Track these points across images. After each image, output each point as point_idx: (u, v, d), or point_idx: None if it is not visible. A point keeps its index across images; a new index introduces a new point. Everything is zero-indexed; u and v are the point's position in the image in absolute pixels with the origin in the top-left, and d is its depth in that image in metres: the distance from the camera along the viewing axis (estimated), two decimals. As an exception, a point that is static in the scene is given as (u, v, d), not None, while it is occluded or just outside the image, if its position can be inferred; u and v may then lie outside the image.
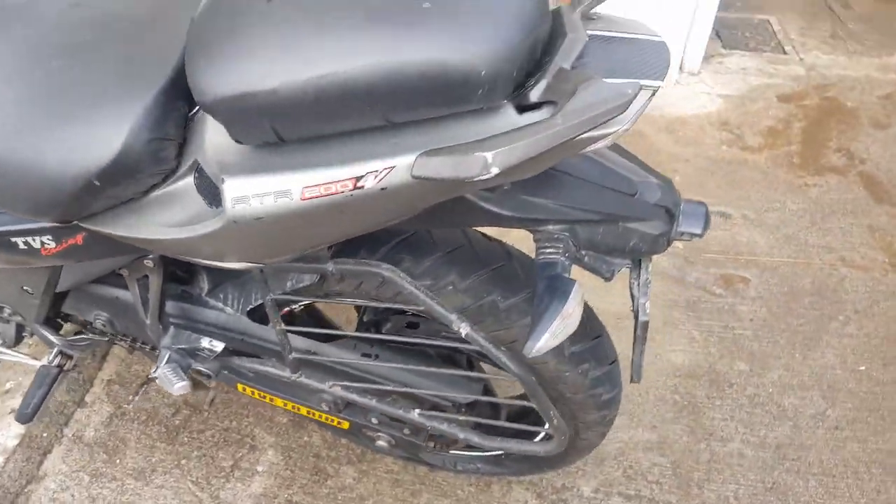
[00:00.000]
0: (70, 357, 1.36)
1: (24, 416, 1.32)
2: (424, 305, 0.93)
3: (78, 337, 1.28)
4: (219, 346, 1.12)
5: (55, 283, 1.07)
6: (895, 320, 1.84)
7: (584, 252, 0.88)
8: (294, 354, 1.09)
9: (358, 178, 0.68)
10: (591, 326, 1.10)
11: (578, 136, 0.63)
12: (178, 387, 1.08)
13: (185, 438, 1.59)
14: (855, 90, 2.73)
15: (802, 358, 1.76)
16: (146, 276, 1.04)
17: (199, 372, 1.14)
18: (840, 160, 2.39)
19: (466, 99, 0.67)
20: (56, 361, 1.35)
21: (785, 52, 2.96)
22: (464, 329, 0.94)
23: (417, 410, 1.17)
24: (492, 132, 0.67)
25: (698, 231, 0.87)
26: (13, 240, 0.92)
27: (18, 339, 1.36)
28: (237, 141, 0.71)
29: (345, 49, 0.64)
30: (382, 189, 0.69)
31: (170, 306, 1.12)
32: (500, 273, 0.99)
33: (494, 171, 0.62)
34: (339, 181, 0.69)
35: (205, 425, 1.61)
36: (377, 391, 1.18)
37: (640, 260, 0.92)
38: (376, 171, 0.68)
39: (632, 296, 0.95)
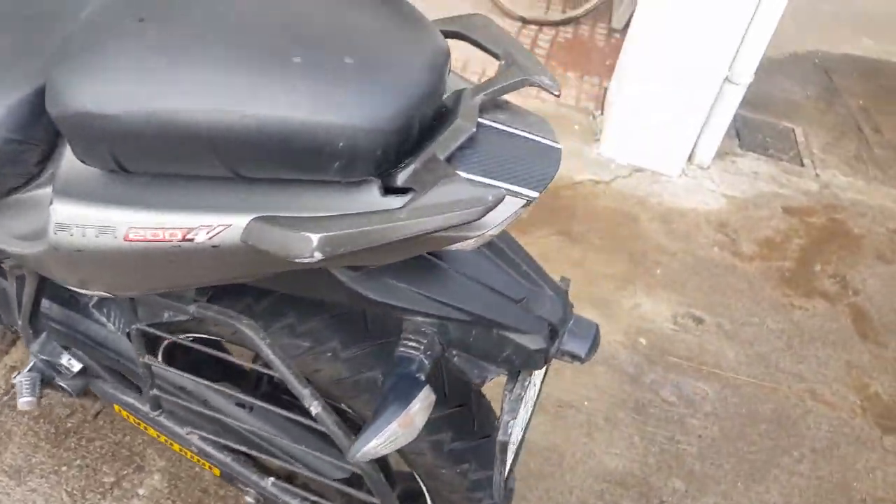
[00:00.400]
0: None
1: None
2: (278, 371, 0.87)
3: None
4: (77, 365, 1.06)
5: None
6: (852, 469, 1.74)
7: (454, 351, 0.83)
8: (154, 391, 1.04)
9: (189, 230, 0.64)
10: (482, 422, 1.02)
11: (424, 234, 0.59)
12: (23, 401, 1.03)
13: (73, 444, 1.52)
14: (866, 217, 2.66)
15: (745, 489, 1.66)
16: (24, 275, 1.00)
17: (62, 388, 1.09)
18: (833, 286, 2.31)
19: (322, 168, 0.63)
20: None
21: (802, 165, 2.92)
22: (314, 408, 0.88)
23: (271, 479, 1.10)
24: (348, 209, 0.63)
25: (581, 353, 0.82)
26: None
27: None
28: (81, 160, 0.68)
29: (192, 88, 0.61)
30: (214, 247, 0.64)
31: (53, 309, 1.08)
32: (388, 348, 0.94)
33: (318, 255, 0.57)
34: (167, 229, 0.65)
35: (96, 434, 1.55)
36: (235, 448, 1.11)
37: (518, 371, 0.86)
38: (210, 226, 0.64)
39: (501, 408, 0.88)
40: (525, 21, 3.44)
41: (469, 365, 0.84)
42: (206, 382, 1.01)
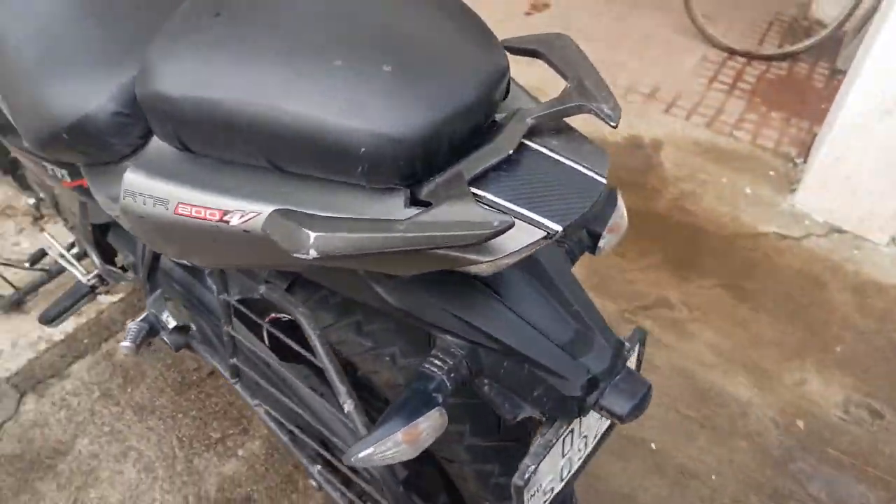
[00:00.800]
0: (105, 283, 1.49)
1: (46, 318, 1.47)
2: (321, 362, 0.88)
3: (113, 269, 1.40)
4: (172, 322, 1.14)
5: (86, 214, 1.19)
6: None
7: (486, 380, 0.80)
8: (233, 360, 1.09)
9: (226, 213, 0.69)
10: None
11: (423, 249, 0.59)
12: (123, 345, 1.13)
13: (192, 395, 1.66)
14: None
15: None
16: None
17: (164, 342, 1.18)
18: None
19: (346, 171, 0.66)
20: (92, 282, 1.50)
21: None
22: (347, 405, 0.88)
23: (318, 467, 1.10)
24: (370, 214, 0.66)
25: (620, 412, 0.76)
26: (45, 164, 1.03)
27: (81, 255, 1.54)
28: (157, 136, 0.75)
29: (239, 81, 0.66)
30: (245, 231, 0.69)
31: (175, 271, 1.18)
32: None
33: (313, 253, 0.59)
34: (208, 209, 0.70)
35: (214, 391, 1.67)
36: (293, 430, 1.13)
37: (554, 417, 0.81)
38: (244, 211, 0.68)
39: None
40: (732, 52, 3.20)
41: (501, 398, 0.81)
42: (274, 360, 1.05)
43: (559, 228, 0.64)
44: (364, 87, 0.64)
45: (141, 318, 1.15)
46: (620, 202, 0.96)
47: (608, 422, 0.92)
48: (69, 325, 1.72)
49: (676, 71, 3.11)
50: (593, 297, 1.87)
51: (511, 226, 0.58)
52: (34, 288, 1.76)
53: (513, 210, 0.64)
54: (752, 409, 1.79)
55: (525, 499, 0.81)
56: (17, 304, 1.75)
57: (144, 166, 0.76)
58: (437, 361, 0.77)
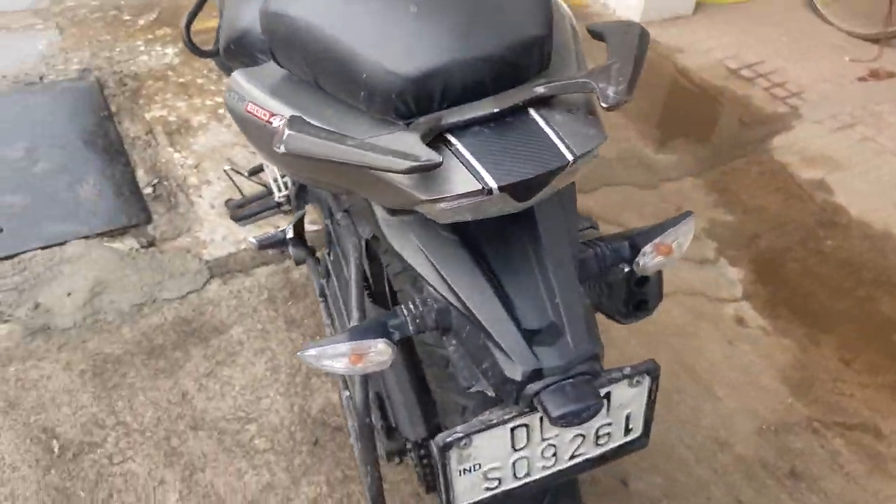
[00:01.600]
0: (290, 203, 1.76)
1: (235, 216, 1.79)
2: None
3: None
4: (289, 232, 1.39)
5: None
6: None
7: (453, 340, 0.87)
8: (322, 280, 1.29)
9: (273, 115, 0.84)
10: None
11: (363, 167, 0.69)
12: (252, 239, 1.40)
13: (334, 326, 1.84)
14: None
15: None
16: None
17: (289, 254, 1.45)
18: None
19: (354, 95, 0.78)
20: (280, 200, 1.81)
21: None
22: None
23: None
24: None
25: (552, 412, 0.77)
26: None
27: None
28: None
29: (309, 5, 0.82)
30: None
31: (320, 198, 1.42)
32: None
33: (283, 148, 0.71)
34: (262, 109, 0.86)
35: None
36: None
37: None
38: (282, 115, 0.83)
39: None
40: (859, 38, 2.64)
41: (461, 363, 0.85)
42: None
43: (494, 185, 0.70)
44: (387, 22, 0.76)
45: (281, 229, 1.38)
46: (689, 225, 0.92)
47: (585, 446, 0.91)
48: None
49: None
50: (789, 391, 1.68)
51: (437, 164, 0.66)
52: (256, 199, 2.12)
53: (466, 159, 0.72)
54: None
55: (450, 465, 0.84)
56: (238, 207, 2.12)
57: (246, 71, 0.93)
58: (410, 305, 0.85)
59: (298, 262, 1.42)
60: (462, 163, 0.72)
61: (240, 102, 0.90)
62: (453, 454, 0.83)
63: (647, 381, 0.89)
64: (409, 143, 0.68)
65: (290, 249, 1.39)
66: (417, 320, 0.84)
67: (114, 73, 2.72)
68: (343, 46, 0.77)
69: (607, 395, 0.87)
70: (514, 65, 0.78)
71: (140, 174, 2.29)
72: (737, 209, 2.30)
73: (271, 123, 0.84)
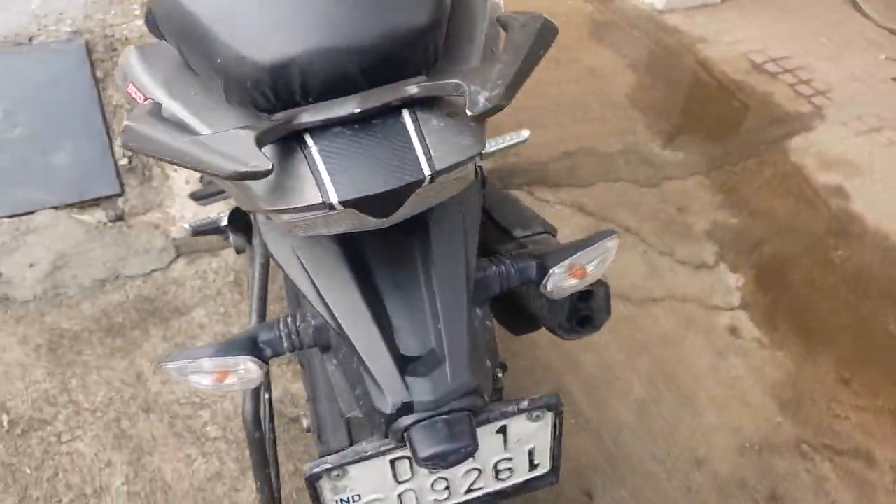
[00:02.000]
0: None
1: (195, 196, 1.75)
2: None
3: None
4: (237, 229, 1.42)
5: None
6: None
7: (335, 360, 0.84)
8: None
9: (147, 98, 0.81)
10: None
11: (197, 166, 0.66)
12: (184, 225, 1.44)
13: (300, 314, 1.81)
14: None
15: None
16: None
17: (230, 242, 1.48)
18: None
19: (213, 81, 0.75)
20: None
21: None
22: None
23: None
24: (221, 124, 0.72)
25: (418, 453, 0.73)
26: None
27: None
28: None
29: None
30: None
31: None
32: None
33: (120, 140, 0.73)
34: (141, 92, 0.84)
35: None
36: None
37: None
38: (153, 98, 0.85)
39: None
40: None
41: (341, 385, 0.82)
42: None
43: (335, 200, 0.65)
44: (246, 2, 0.70)
45: (219, 214, 1.34)
46: (609, 245, 0.86)
47: (484, 480, 0.88)
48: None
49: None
50: (778, 408, 1.62)
51: (266, 172, 0.61)
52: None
53: (316, 166, 0.66)
54: None
55: (324, 496, 0.81)
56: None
57: (140, 49, 0.88)
58: (288, 319, 0.81)
59: (238, 251, 1.37)
60: (312, 170, 0.67)
61: (123, 82, 0.85)
62: (325, 484, 0.80)
63: (549, 416, 0.84)
64: (243, 144, 0.63)
65: (230, 237, 1.34)
66: (293, 336, 0.80)
67: (105, 38, 2.70)
68: (201, 26, 0.71)
69: (502, 429, 0.83)
70: (390, 59, 0.71)
71: (118, 144, 2.27)
72: (743, 212, 2.22)
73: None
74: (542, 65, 0.72)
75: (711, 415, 1.69)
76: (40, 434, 1.58)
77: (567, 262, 0.83)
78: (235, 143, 0.63)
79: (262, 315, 1.02)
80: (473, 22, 0.83)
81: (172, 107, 0.76)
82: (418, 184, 0.67)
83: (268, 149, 0.68)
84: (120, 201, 2.06)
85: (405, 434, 0.74)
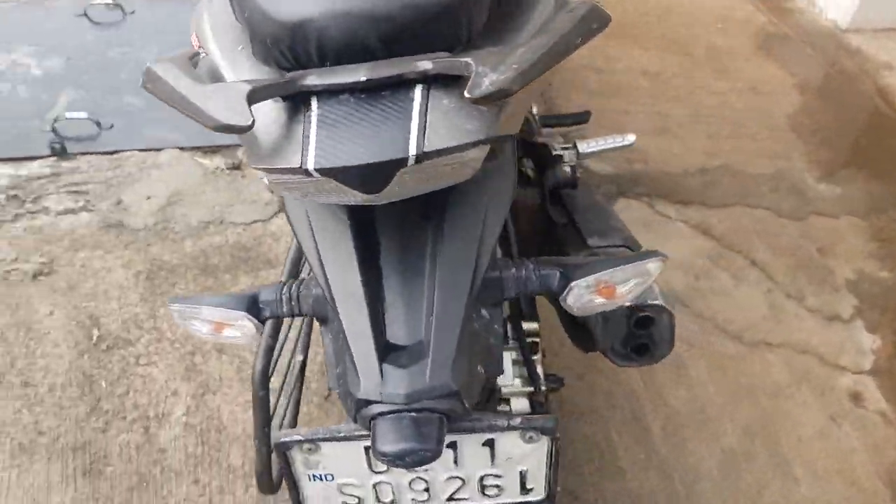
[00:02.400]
0: None
1: None
2: None
3: None
4: None
5: None
6: None
7: (330, 334, 0.84)
8: None
9: (200, 48, 0.85)
10: None
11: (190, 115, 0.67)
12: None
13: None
14: None
15: None
16: None
17: None
18: None
19: (242, 34, 0.78)
20: None
21: None
22: None
23: None
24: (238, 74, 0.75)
25: (378, 447, 0.70)
26: None
27: None
28: None
29: None
30: None
31: None
32: None
33: (142, 80, 0.72)
34: (199, 42, 0.86)
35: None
36: None
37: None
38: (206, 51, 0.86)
39: None
40: None
41: (332, 361, 0.80)
42: None
43: (309, 167, 0.64)
44: None
45: None
46: (652, 267, 0.78)
47: (467, 491, 0.85)
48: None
49: None
50: (891, 496, 1.46)
51: (244, 128, 0.61)
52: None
53: (309, 130, 0.66)
54: None
55: (295, 467, 0.81)
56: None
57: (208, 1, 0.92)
58: (293, 285, 0.81)
59: None
60: (304, 134, 0.66)
61: (191, 35, 0.89)
62: (297, 455, 0.80)
63: (544, 440, 0.80)
64: (233, 98, 0.63)
65: None
66: (293, 302, 0.80)
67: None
68: None
69: (490, 443, 0.80)
70: (411, 31, 0.68)
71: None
72: (897, 266, 1.97)
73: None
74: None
75: (808, 486, 1.51)
76: (122, 353, 1.69)
77: (592, 277, 0.76)
78: (226, 95, 0.64)
79: (295, 276, 1.03)
80: (530, 3, 0.79)
81: (218, 59, 0.79)
82: (401, 163, 0.64)
83: (275, 108, 0.69)
84: (240, 151, 2.17)
85: (371, 423, 0.72)
